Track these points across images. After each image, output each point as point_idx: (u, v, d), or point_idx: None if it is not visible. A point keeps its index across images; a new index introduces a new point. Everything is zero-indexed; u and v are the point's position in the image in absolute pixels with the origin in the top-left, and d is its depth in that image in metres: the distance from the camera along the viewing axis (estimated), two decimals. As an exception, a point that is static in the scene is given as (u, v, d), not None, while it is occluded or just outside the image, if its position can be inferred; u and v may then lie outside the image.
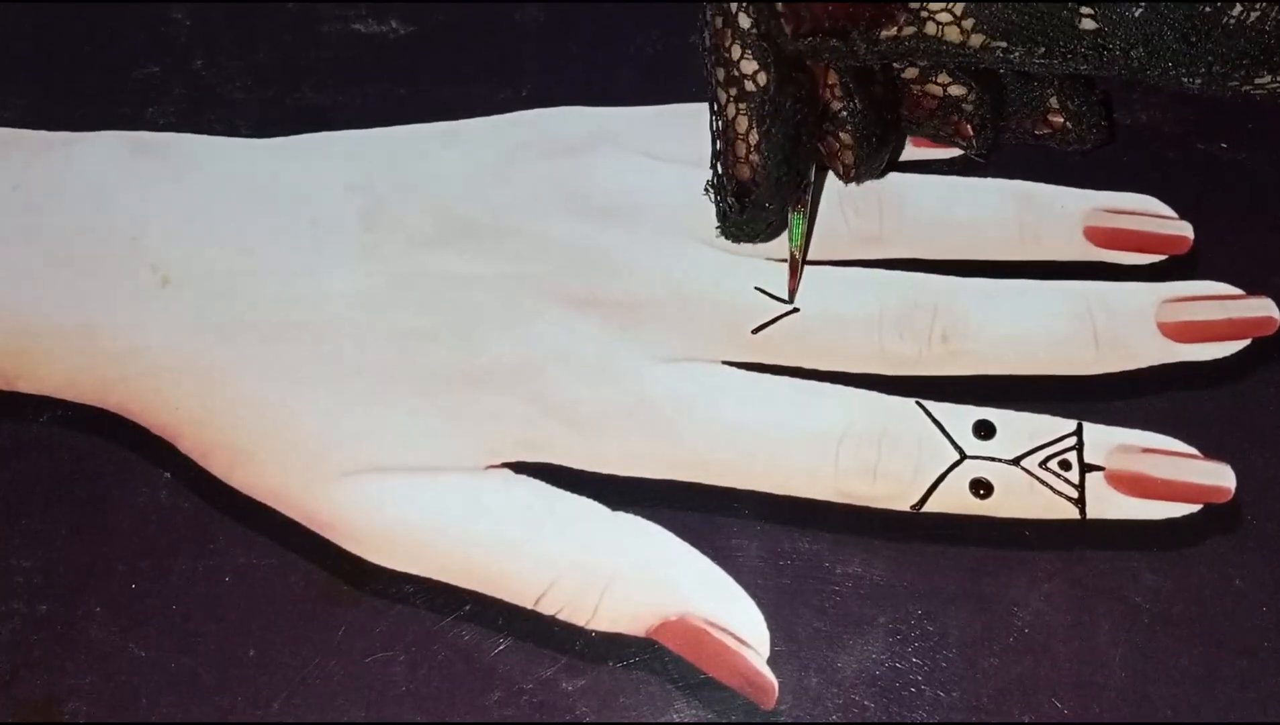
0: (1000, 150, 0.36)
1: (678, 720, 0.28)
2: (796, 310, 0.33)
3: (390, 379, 0.32)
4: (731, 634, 0.28)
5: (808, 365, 0.33)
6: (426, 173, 0.36)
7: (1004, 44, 0.28)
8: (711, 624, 0.28)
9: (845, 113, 0.31)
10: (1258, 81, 0.28)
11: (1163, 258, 0.35)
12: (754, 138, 0.31)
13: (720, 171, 0.32)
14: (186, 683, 0.29)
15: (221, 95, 0.40)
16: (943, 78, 0.33)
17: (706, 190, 0.33)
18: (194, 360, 0.32)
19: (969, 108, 0.33)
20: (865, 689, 0.28)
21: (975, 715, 0.28)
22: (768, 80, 0.30)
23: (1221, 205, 0.36)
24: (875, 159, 0.33)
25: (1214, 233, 0.35)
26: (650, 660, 0.29)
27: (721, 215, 0.33)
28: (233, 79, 0.40)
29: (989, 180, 0.36)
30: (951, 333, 0.33)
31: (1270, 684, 0.28)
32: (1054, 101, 0.34)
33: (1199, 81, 0.28)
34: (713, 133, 0.32)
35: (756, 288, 0.33)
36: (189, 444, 0.32)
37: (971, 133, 0.34)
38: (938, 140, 0.35)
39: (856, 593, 0.30)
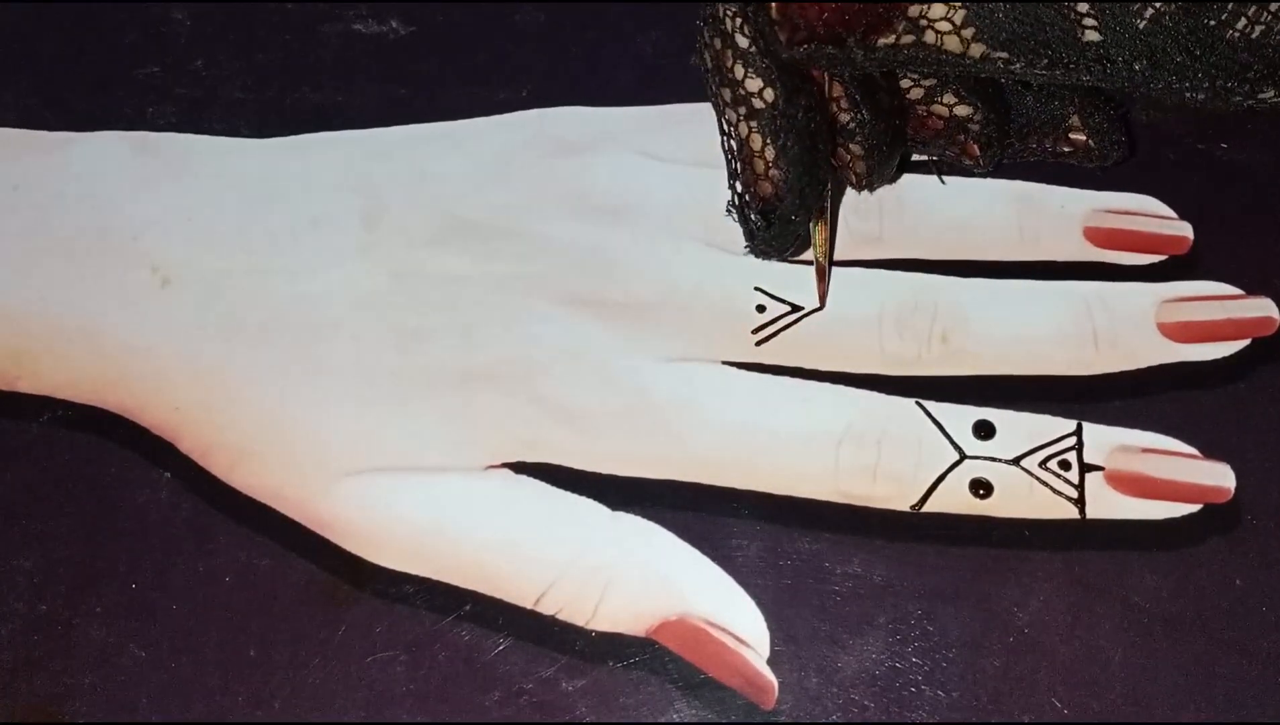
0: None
1: (678, 720, 0.28)
2: (797, 310, 0.33)
3: (390, 379, 0.32)
4: (731, 634, 0.28)
5: (808, 365, 0.33)
6: (426, 173, 0.36)
7: (1005, 55, 0.28)
8: (711, 624, 0.28)
9: (854, 124, 0.31)
10: (1261, 96, 0.28)
11: (1163, 258, 0.35)
12: (770, 154, 0.31)
13: (740, 191, 0.32)
14: (186, 683, 0.29)
15: (221, 95, 0.40)
16: (949, 98, 0.33)
17: (729, 211, 0.33)
18: (194, 360, 0.32)
19: (975, 128, 0.33)
20: (865, 689, 0.28)
21: (975, 715, 0.28)
22: (775, 96, 0.30)
23: (1221, 205, 0.36)
24: (886, 167, 0.33)
25: (1214, 233, 0.35)
26: (650, 660, 0.29)
27: (749, 234, 0.33)
28: (233, 79, 0.40)
29: (989, 181, 0.36)
30: (951, 333, 0.33)
31: (1270, 684, 0.28)
32: (1076, 120, 0.34)
33: (1202, 96, 0.28)
34: (726, 154, 0.32)
35: (756, 287, 0.33)
36: (189, 444, 0.32)
37: (978, 152, 0.34)
38: (944, 159, 0.35)
39: (856, 593, 0.30)
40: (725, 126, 0.31)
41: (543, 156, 0.36)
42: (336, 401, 0.31)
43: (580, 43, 0.41)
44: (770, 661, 0.28)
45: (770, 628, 0.29)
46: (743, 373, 0.32)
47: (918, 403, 0.31)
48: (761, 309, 0.33)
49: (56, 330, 0.33)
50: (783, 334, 0.33)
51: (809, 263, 0.34)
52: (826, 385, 0.32)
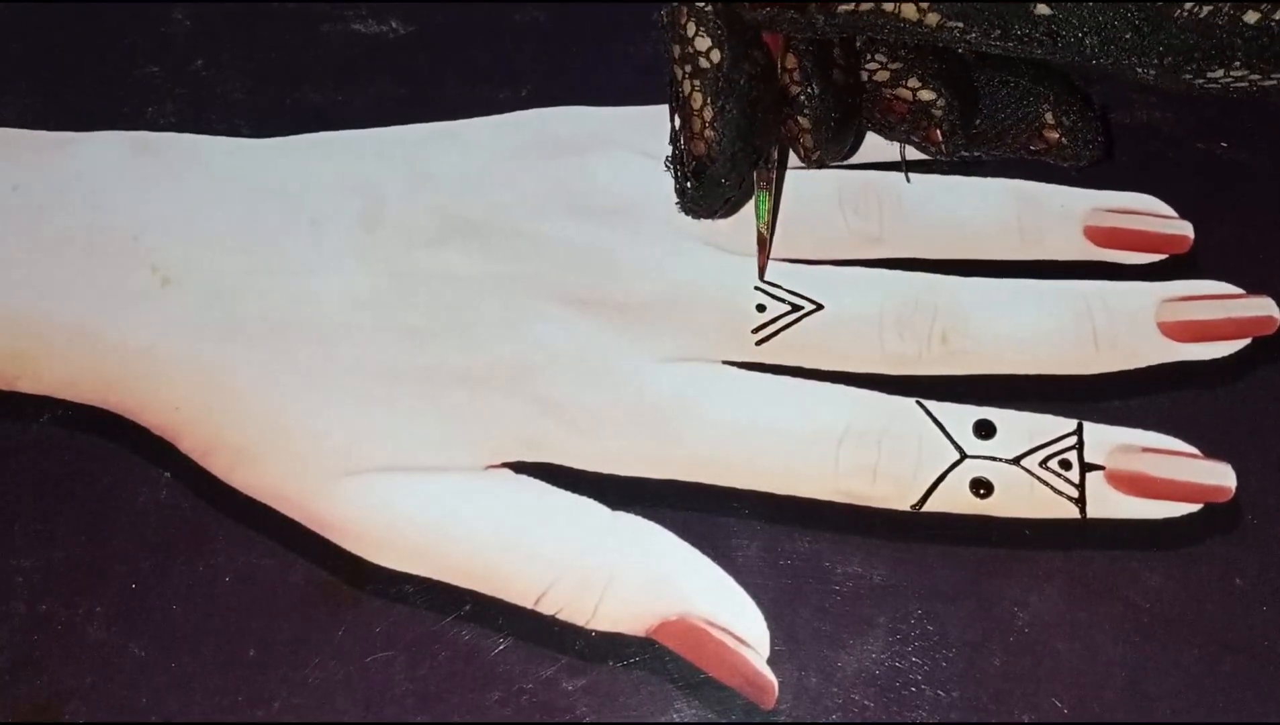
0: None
1: (678, 720, 0.28)
2: (798, 311, 0.33)
3: (391, 379, 0.32)
4: (731, 634, 0.28)
5: (808, 365, 0.33)
6: (426, 173, 0.36)
7: (960, 24, 0.29)
8: (711, 624, 0.28)
9: (803, 97, 0.32)
10: (1209, 75, 0.28)
11: (1163, 257, 0.35)
12: (708, 114, 0.31)
13: (678, 147, 0.32)
14: (186, 683, 0.29)
15: (221, 95, 0.40)
16: (913, 82, 0.33)
17: (666, 166, 0.33)
18: (194, 360, 0.32)
19: (938, 114, 0.34)
20: (865, 689, 0.28)
21: (975, 715, 0.28)
22: (721, 58, 0.31)
23: (1221, 205, 0.36)
24: (836, 142, 0.33)
25: (1214, 233, 0.35)
26: (650, 660, 0.29)
27: (679, 191, 0.33)
28: (233, 79, 0.40)
29: (989, 180, 0.36)
30: (951, 333, 0.33)
31: (1270, 684, 0.28)
32: (1049, 117, 0.34)
33: (1152, 72, 0.28)
34: (670, 109, 0.32)
35: (757, 287, 0.33)
36: (189, 444, 0.32)
37: (940, 139, 0.34)
38: (909, 144, 0.35)
39: (856, 593, 0.30)
40: (671, 83, 0.32)
41: (543, 156, 0.36)
42: (337, 401, 0.31)
43: (580, 43, 0.41)
44: (770, 661, 0.28)
45: (770, 628, 0.29)
46: (743, 372, 0.32)
47: (918, 402, 0.31)
48: (761, 309, 0.33)
49: (56, 330, 0.33)
50: (783, 334, 0.33)
51: (809, 263, 0.34)
52: (827, 385, 0.32)
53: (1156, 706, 0.28)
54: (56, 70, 0.40)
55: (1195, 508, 0.30)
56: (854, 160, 0.37)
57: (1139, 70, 0.28)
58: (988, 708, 0.28)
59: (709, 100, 0.31)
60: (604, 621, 0.29)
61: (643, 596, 0.29)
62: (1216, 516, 0.30)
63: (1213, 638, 0.29)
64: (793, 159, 0.35)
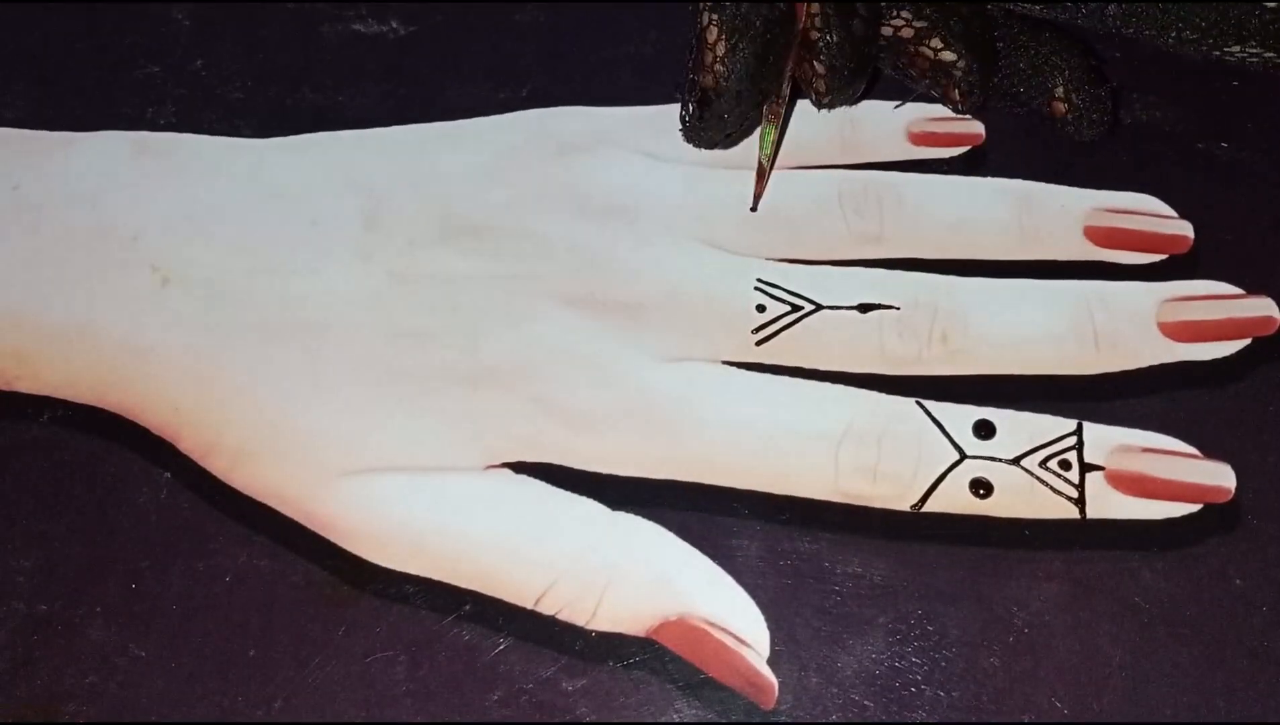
0: (1000, 150, 0.36)
1: (678, 720, 0.28)
2: (798, 311, 0.33)
3: (390, 379, 0.32)
4: (731, 634, 0.28)
5: (808, 365, 0.33)
6: (426, 173, 0.36)
7: None
8: (711, 624, 0.28)
9: (821, 44, 0.34)
10: (1227, 50, 0.29)
11: (1163, 257, 0.35)
12: (721, 49, 0.33)
13: (690, 75, 0.34)
14: (186, 683, 0.29)
15: (221, 95, 0.40)
16: (935, 42, 0.35)
17: (675, 94, 0.35)
18: (194, 360, 0.32)
19: (958, 74, 0.35)
20: (865, 689, 0.28)
21: (976, 715, 0.28)
22: None
23: (1221, 205, 0.36)
24: (848, 89, 0.35)
25: (1214, 233, 0.35)
26: (650, 660, 0.29)
27: (682, 118, 0.35)
28: (233, 79, 0.40)
29: (989, 180, 0.36)
30: (951, 332, 0.33)
31: (1270, 684, 0.28)
32: (1060, 91, 0.35)
33: (1171, 42, 0.29)
34: (691, 39, 0.34)
35: (757, 287, 0.33)
36: (189, 444, 0.32)
37: (958, 97, 0.36)
38: (928, 95, 0.37)
39: (856, 593, 0.30)
40: (694, 10, 0.33)
41: (543, 156, 0.36)
42: (337, 401, 0.31)
43: (580, 43, 0.41)
44: (770, 661, 0.28)
45: (770, 628, 0.29)
46: (743, 372, 0.32)
47: (918, 402, 0.31)
48: (761, 309, 0.33)
49: (56, 330, 0.33)
50: (783, 333, 0.33)
51: (809, 262, 0.34)
52: (826, 385, 0.32)
53: (1156, 706, 0.28)
54: (56, 70, 0.40)
55: (1195, 508, 0.30)
56: (854, 160, 0.37)
57: (1158, 40, 0.29)
58: (988, 708, 0.28)
59: (723, 35, 0.32)
60: (604, 622, 0.29)
61: (643, 596, 0.29)
62: (1216, 516, 0.30)
63: (1213, 638, 0.29)
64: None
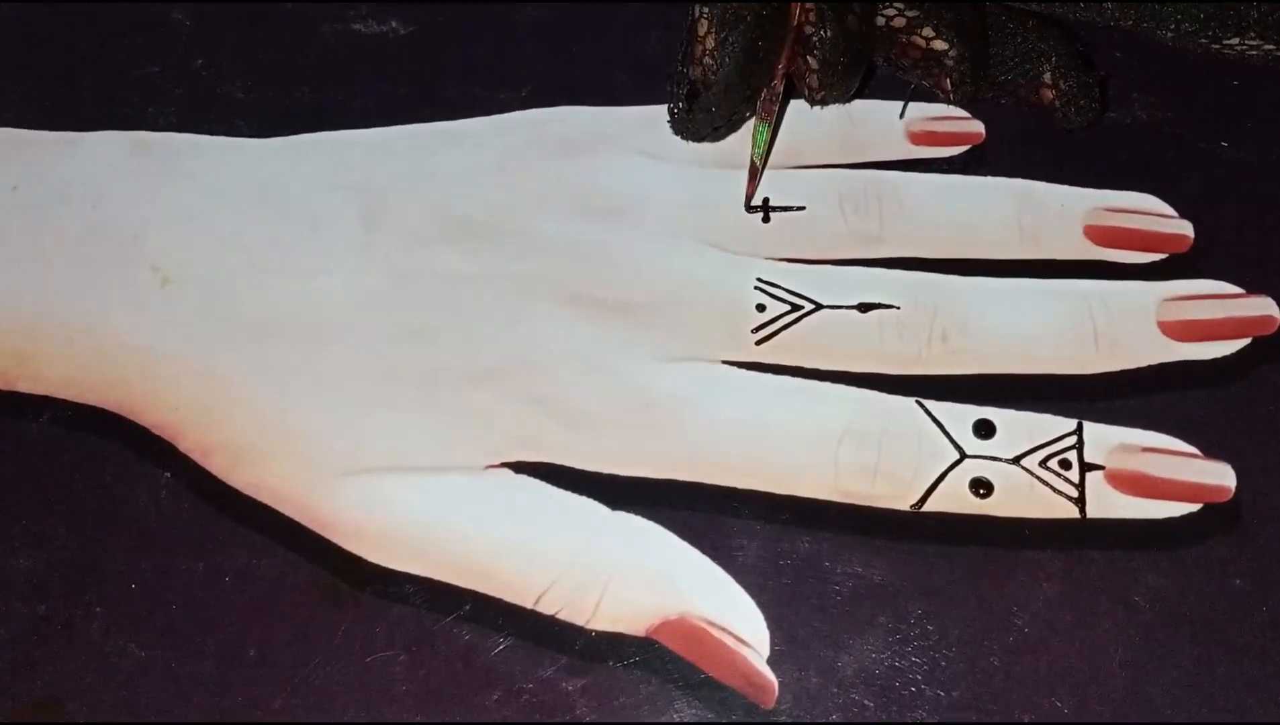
0: (1000, 149, 0.36)
1: (678, 720, 0.28)
2: (798, 310, 0.33)
3: (390, 379, 0.32)
4: (731, 633, 0.28)
5: (808, 365, 0.33)
6: (426, 173, 0.36)
7: None
8: (711, 623, 0.28)
9: (815, 39, 0.33)
10: (1225, 43, 0.29)
11: (1163, 257, 0.35)
12: (710, 42, 0.33)
13: (680, 67, 0.34)
14: (186, 683, 0.29)
15: (221, 95, 0.40)
16: (927, 31, 0.35)
17: (667, 85, 0.34)
18: (194, 360, 0.32)
19: (949, 64, 0.35)
20: (865, 689, 0.28)
21: (976, 715, 0.28)
22: None
23: (1221, 205, 0.36)
24: (842, 85, 0.35)
25: (1214, 233, 0.35)
26: (650, 660, 0.29)
27: (670, 110, 0.35)
28: (233, 79, 0.40)
29: (989, 179, 0.36)
30: (951, 332, 0.33)
31: (1270, 684, 0.28)
32: (1048, 78, 0.35)
33: (1170, 35, 0.29)
34: (684, 31, 0.34)
35: (757, 286, 0.33)
36: (189, 444, 0.32)
37: (950, 87, 0.36)
38: (919, 85, 0.37)
39: (856, 593, 0.30)
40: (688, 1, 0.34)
41: (543, 156, 0.36)
42: (337, 401, 0.31)
43: (580, 43, 0.41)
44: (770, 661, 0.28)
45: (770, 628, 0.29)
46: (742, 372, 0.32)
47: (918, 402, 0.31)
48: (761, 308, 0.33)
49: (56, 330, 0.33)
50: (783, 333, 0.33)
51: (809, 262, 0.34)
52: (826, 385, 0.32)
53: (1156, 706, 0.28)
54: (56, 70, 0.40)
55: (1195, 508, 0.30)
56: (854, 160, 0.37)
57: (1157, 32, 0.29)
58: (988, 708, 0.28)
59: (714, 29, 0.32)
60: (604, 621, 0.29)
61: (642, 596, 0.29)
62: (1216, 516, 0.30)
63: (1213, 638, 0.29)
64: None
